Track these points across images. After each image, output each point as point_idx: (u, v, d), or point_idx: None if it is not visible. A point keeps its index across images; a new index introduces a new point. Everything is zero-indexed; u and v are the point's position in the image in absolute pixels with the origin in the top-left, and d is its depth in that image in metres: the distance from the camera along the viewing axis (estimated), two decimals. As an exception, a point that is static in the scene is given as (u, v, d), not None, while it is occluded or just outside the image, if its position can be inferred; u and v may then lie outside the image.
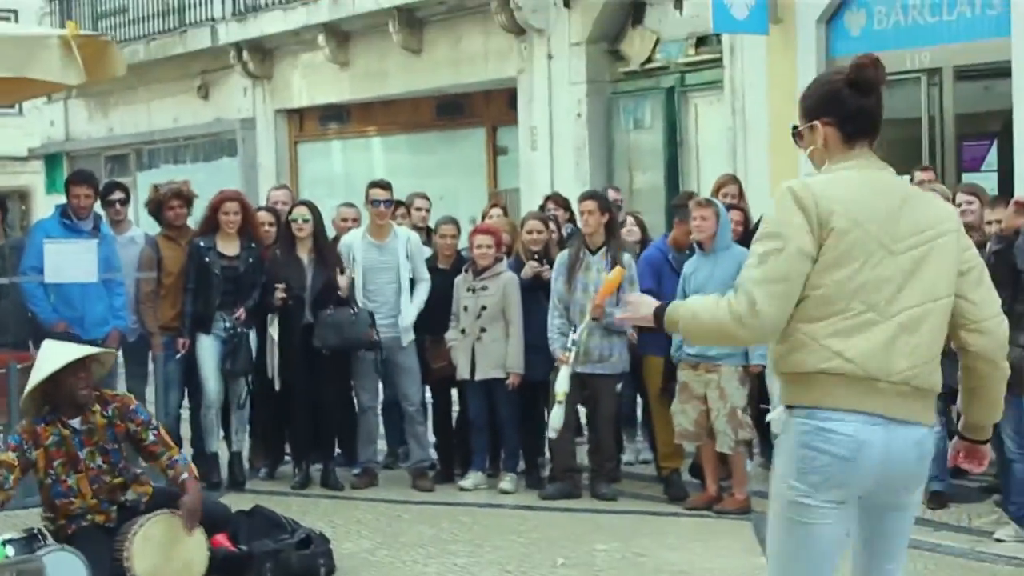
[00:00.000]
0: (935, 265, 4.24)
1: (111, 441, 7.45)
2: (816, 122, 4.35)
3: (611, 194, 11.69)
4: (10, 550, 7.04)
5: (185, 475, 7.46)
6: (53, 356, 7.46)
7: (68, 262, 10.27)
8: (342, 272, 10.38)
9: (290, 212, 10.70)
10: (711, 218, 9.42)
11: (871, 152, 4.37)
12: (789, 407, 4.28)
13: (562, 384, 9.47)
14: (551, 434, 9.62)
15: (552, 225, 10.84)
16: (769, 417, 9.36)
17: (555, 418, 9.49)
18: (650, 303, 4.55)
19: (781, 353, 4.27)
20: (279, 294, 10.23)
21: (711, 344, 4.36)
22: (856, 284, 4.16)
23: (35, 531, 7.30)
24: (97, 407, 7.47)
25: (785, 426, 4.30)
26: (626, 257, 9.90)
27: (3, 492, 7.23)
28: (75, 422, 7.41)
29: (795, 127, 4.46)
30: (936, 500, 9.09)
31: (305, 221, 10.47)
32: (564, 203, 11.52)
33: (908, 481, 4.32)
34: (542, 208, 11.60)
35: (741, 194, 11.09)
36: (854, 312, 4.16)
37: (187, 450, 10.32)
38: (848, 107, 4.32)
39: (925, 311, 4.22)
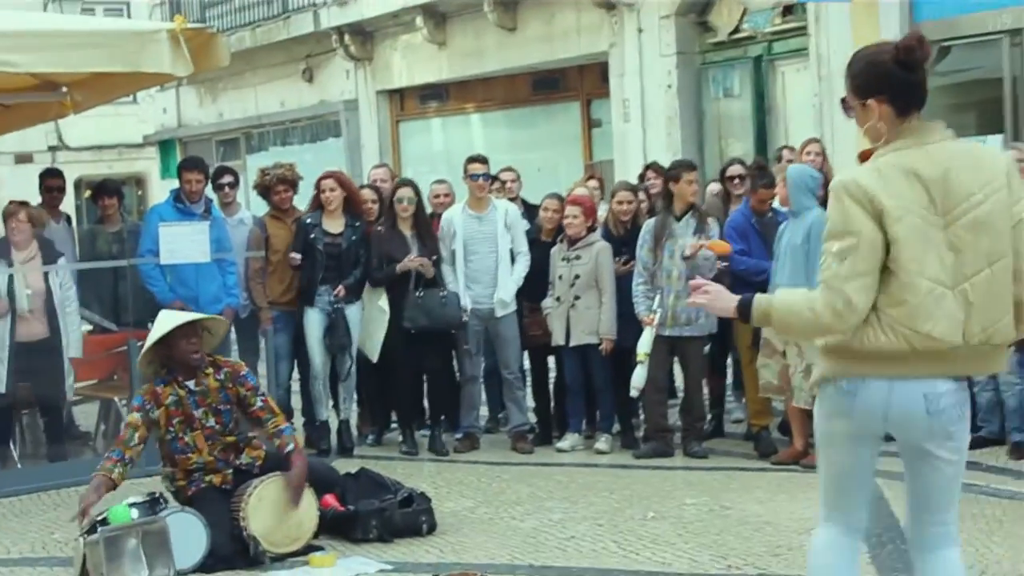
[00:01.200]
0: (987, 228, 4.40)
1: (223, 402, 7.80)
2: (871, 100, 4.50)
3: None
4: (135, 512, 7.36)
5: (290, 447, 7.76)
6: (166, 321, 7.86)
7: (182, 244, 10.51)
8: (436, 256, 10.60)
9: (394, 192, 10.81)
10: (781, 185, 9.58)
11: (920, 123, 4.50)
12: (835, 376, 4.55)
13: (644, 345, 9.66)
14: (633, 392, 9.81)
15: (641, 195, 11.06)
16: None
17: (637, 377, 9.68)
18: (730, 296, 4.74)
19: (867, 334, 4.43)
20: (421, 264, 10.41)
21: (801, 337, 4.60)
22: (920, 263, 4.34)
23: (157, 495, 7.62)
24: (210, 370, 7.83)
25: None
26: (711, 222, 10.08)
27: (130, 449, 7.64)
28: (190, 383, 7.78)
29: (843, 100, 4.62)
30: (1017, 451, 9.18)
31: (410, 202, 10.62)
32: (663, 172, 11.59)
33: (928, 431, 4.53)
34: (641, 178, 11.67)
35: (825, 157, 11.23)
36: (929, 291, 4.35)
37: (298, 419, 10.69)
38: (899, 84, 4.46)
39: (988, 275, 4.40)
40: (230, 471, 7.82)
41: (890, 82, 4.48)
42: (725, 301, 4.73)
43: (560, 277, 10.42)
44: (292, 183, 11.18)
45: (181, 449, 7.77)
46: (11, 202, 11.00)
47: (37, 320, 10.48)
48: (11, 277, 10.39)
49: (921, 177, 4.40)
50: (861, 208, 4.36)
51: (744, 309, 4.64)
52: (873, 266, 4.37)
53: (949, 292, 4.36)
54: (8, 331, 10.33)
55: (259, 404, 7.87)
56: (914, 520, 4.75)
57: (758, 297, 4.64)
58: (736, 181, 10.79)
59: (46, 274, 10.51)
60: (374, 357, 10.65)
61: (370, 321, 10.68)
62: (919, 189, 4.39)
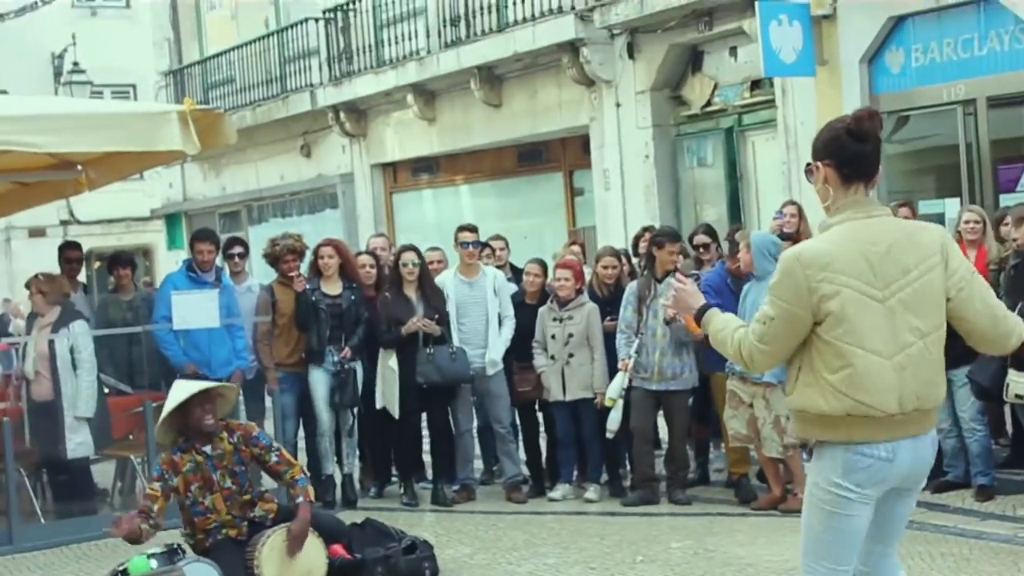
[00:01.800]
0: (922, 302, 4.49)
1: (238, 464, 7.81)
2: (819, 163, 4.59)
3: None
4: (153, 563, 7.39)
5: (300, 499, 7.75)
6: (181, 390, 7.85)
7: (194, 311, 10.58)
8: (442, 315, 10.67)
9: (399, 256, 10.85)
10: (745, 251, 9.69)
11: (865, 196, 4.58)
12: (821, 441, 4.57)
13: (613, 391, 9.84)
14: (608, 435, 9.95)
15: (624, 259, 11.21)
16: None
17: (612, 421, 9.85)
18: (699, 299, 4.96)
19: (806, 397, 4.54)
20: (424, 325, 10.45)
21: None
22: (856, 335, 4.42)
23: (175, 546, 7.60)
24: (224, 434, 7.83)
25: (820, 447, 4.60)
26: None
27: (152, 520, 7.55)
28: (207, 449, 7.78)
29: (807, 164, 4.73)
30: (983, 493, 9.21)
31: (415, 265, 10.70)
32: None
33: (924, 472, 4.66)
34: (636, 241, 11.68)
35: (801, 216, 11.38)
36: (863, 359, 4.42)
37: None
38: (847, 152, 4.53)
39: (922, 345, 4.48)
40: (245, 524, 7.84)
41: (840, 148, 4.55)
42: (688, 303, 4.96)
43: (553, 337, 10.50)
44: (300, 253, 11.26)
45: (201, 512, 7.76)
46: (36, 274, 11.09)
47: (44, 382, 10.54)
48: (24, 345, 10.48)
49: (867, 250, 4.47)
50: (796, 288, 4.45)
51: (698, 316, 4.90)
52: (784, 336, 4.53)
53: (887, 362, 4.43)
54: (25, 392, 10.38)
55: (275, 459, 7.91)
56: (872, 553, 4.75)
57: (711, 312, 4.86)
58: (702, 249, 10.97)
59: (51, 341, 10.49)
60: (396, 413, 10.62)
61: (385, 381, 10.73)
62: (864, 262, 4.45)
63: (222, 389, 8.19)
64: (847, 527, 4.56)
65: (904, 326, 4.45)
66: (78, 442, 10.44)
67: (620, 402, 9.87)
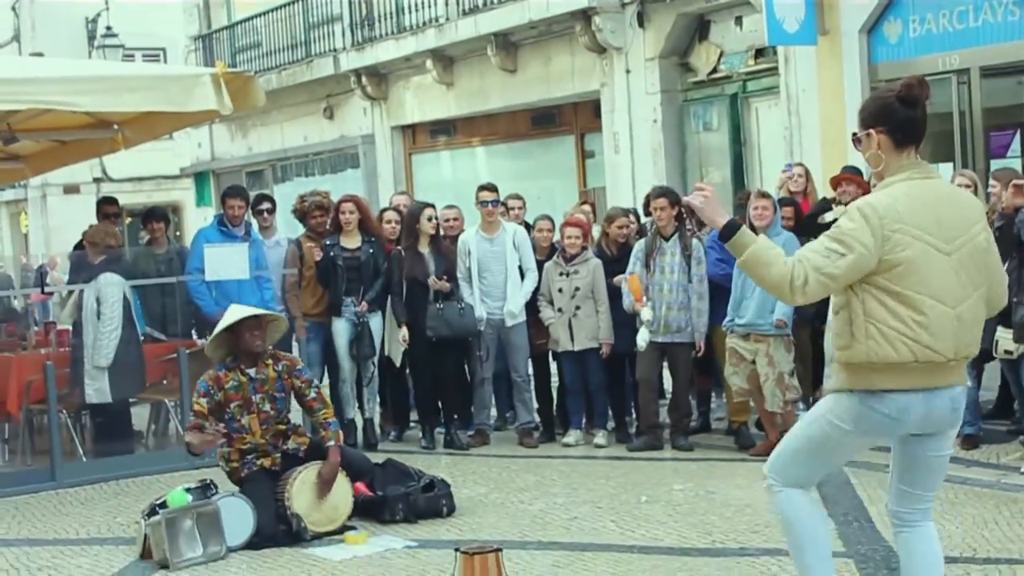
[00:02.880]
0: (975, 259, 4.63)
1: (279, 391, 8.01)
2: (871, 130, 4.67)
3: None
4: (189, 497, 7.61)
5: (332, 442, 7.95)
6: (235, 312, 8.11)
7: (225, 263, 10.73)
8: (451, 271, 10.80)
9: (418, 213, 10.86)
10: (769, 208, 9.77)
11: (918, 158, 4.69)
12: (850, 390, 4.67)
13: (643, 338, 9.95)
14: (640, 347, 10.05)
15: (632, 218, 11.31)
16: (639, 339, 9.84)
17: (641, 336, 9.97)
18: (721, 211, 4.68)
19: (873, 349, 4.56)
20: (441, 284, 10.59)
21: (753, 278, 4.68)
22: (927, 285, 4.51)
23: (208, 481, 7.84)
24: (270, 361, 8.04)
25: (845, 398, 4.71)
26: (695, 243, 10.29)
27: (210, 434, 7.79)
28: (251, 371, 7.99)
29: (855, 134, 4.80)
30: (969, 442, 9.27)
31: (434, 220, 10.83)
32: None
33: (942, 425, 4.74)
34: (646, 203, 11.52)
35: (808, 177, 11.48)
36: (931, 309, 4.51)
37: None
38: (898, 118, 4.62)
39: (976, 299, 4.62)
40: (279, 455, 8.01)
41: (891, 115, 4.64)
42: (713, 212, 4.68)
43: (560, 290, 10.60)
44: (327, 209, 11.30)
45: (237, 430, 7.96)
46: (92, 225, 11.22)
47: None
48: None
49: (932, 207, 4.57)
50: (871, 232, 4.50)
51: (727, 231, 4.63)
52: (843, 276, 4.52)
53: (951, 311, 4.54)
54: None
55: (312, 395, 8.11)
56: (903, 497, 4.90)
57: (745, 229, 4.65)
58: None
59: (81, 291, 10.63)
60: (398, 362, 10.87)
61: (394, 332, 10.90)
62: (931, 217, 4.54)
63: (273, 317, 8.37)
64: (834, 452, 4.84)
65: (964, 280, 4.57)
66: (95, 388, 10.46)
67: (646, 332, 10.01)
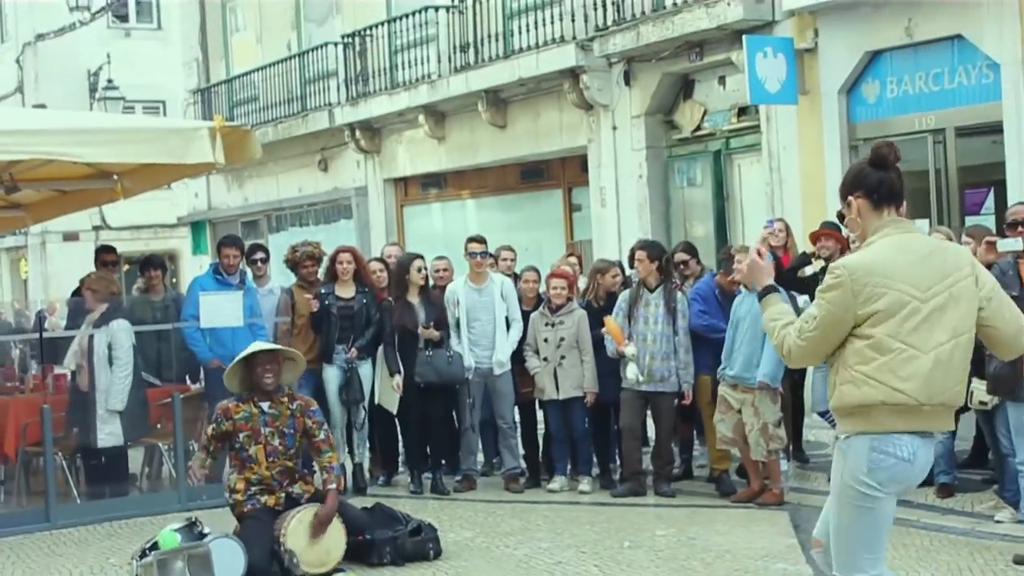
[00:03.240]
0: (956, 307, 4.65)
1: (290, 428, 8.06)
2: (850, 197, 4.79)
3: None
4: (179, 537, 7.62)
5: (332, 486, 8.00)
6: (253, 345, 8.29)
7: (219, 310, 10.74)
8: (441, 319, 10.82)
9: (408, 264, 10.94)
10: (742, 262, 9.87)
11: (899, 216, 4.78)
12: (847, 438, 4.72)
13: (631, 350, 10.04)
14: (627, 384, 10.15)
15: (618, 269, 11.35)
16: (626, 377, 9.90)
17: (631, 371, 10.03)
18: (768, 278, 5.03)
19: (843, 393, 4.67)
20: (430, 333, 10.66)
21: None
22: (898, 331, 4.57)
23: (194, 520, 7.84)
24: (285, 399, 8.11)
25: (848, 443, 4.74)
26: (679, 295, 10.35)
27: (210, 456, 8.13)
28: (264, 404, 8.06)
29: (839, 212, 4.96)
30: (944, 490, 9.33)
31: (424, 271, 10.91)
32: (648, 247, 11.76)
33: (921, 477, 4.86)
34: (631, 255, 11.57)
35: (788, 232, 11.57)
36: (900, 353, 4.58)
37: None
38: (871, 181, 4.75)
39: (953, 345, 4.64)
40: (283, 495, 8.05)
41: (864, 179, 4.77)
42: (756, 277, 5.07)
43: (546, 340, 10.64)
44: (317, 259, 11.39)
45: (245, 459, 8.04)
46: (91, 273, 11.27)
47: (86, 374, 10.72)
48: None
49: (908, 258, 4.65)
50: (844, 294, 4.61)
51: (761, 293, 4.98)
52: (822, 341, 4.66)
53: (923, 356, 4.58)
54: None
55: (322, 436, 8.15)
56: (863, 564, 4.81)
57: (772, 296, 4.94)
58: (682, 265, 11.12)
59: (91, 336, 10.68)
60: (394, 410, 10.88)
61: (385, 382, 10.92)
62: (906, 267, 4.62)
63: (291, 354, 8.46)
64: (874, 519, 4.72)
65: (939, 326, 4.61)
66: (108, 432, 10.57)
67: (634, 358, 10.07)
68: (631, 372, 10.07)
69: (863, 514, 4.70)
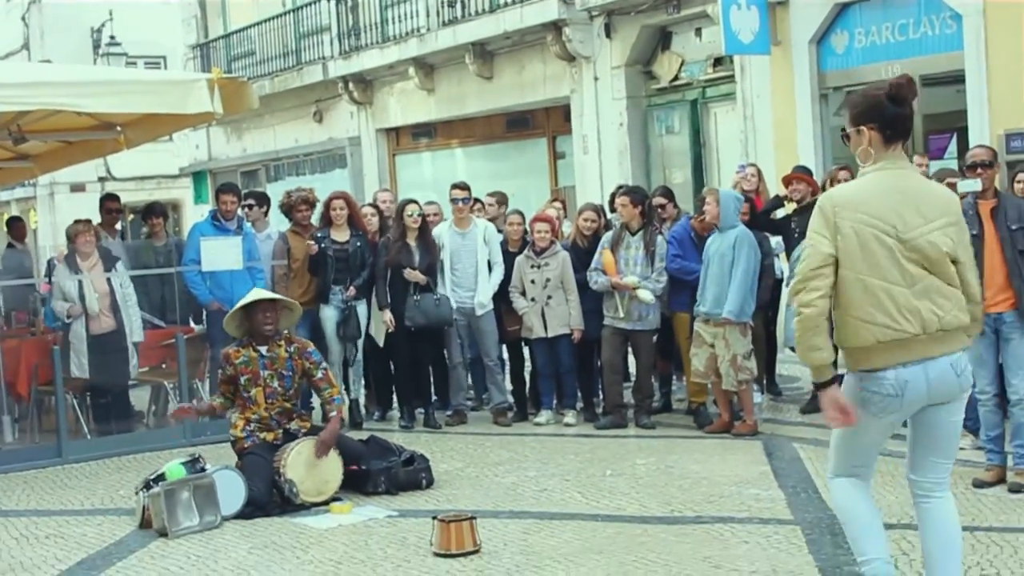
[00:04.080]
0: (934, 249, 4.55)
1: (288, 370, 8.10)
2: (863, 127, 4.63)
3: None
4: (184, 470, 7.67)
5: (334, 413, 8.09)
6: (252, 293, 8.30)
7: (219, 255, 10.75)
8: (432, 265, 10.80)
9: (403, 208, 10.89)
10: (712, 204, 9.82)
11: (901, 153, 4.66)
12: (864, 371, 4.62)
13: (632, 279, 10.00)
14: (650, 300, 10.05)
15: (600, 214, 11.29)
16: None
17: (646, 295, 9.98)
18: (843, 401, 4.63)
19: (842, 335, 4.60)
20: (414, 275, 10.62)
21: (807, 342, 4.59)
22: (877, 269, 4.49)
23: (197, 456, 7.93)
24: (282, 343, 8.15)
25: (848, 378, 4.70)
26: (659, 239, 10.34)
27: (227, 399, 8.24)
28: (262, 349, 8.10)
29: (843, 130, 4.78)
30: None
31: (418, 215, 10.80)
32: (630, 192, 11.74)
33: (952, 392, 4.65)
34: (612, 200, 11.71)
35: (760, 177, 11.54)
36: (884, 291, 4.49)
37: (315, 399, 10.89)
38: (887, 115, 4.60)
39: (934, 278, 4.54)
40: (281, 432, 8.10)
41: (881, 112, 4.60)
42: (834, 401, 4.64)
43: (532, 281, 10.63)
44: (311, 204, 11.35)
45: (246, 400, 8.10)
46: (76, 221, 11.22)
47: (105, 317, 10.73)
48: (80, 283, 10.63)
49: (893, 196, 4.56)
50: (825, 221, 4.55)
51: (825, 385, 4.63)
52: (820, 267, 4.53)
53: (907, 290, 4.50)
54: (84, 328, 10.60)
55: (320, 375, 8.20)
56: (921, 468, 4.80)
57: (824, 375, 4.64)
58: (660, 208, 11.10)
59: (108, 278, 10.75)
60: (381, 341, 10.88)
61: (376, 322, 10.93)
62: (889, 205, 4.53)
63: (288, 303, 8.45)
64: (863, 436, 4.72)
65: (917, 262, 4.53)
66: (133, 364, 10.93)
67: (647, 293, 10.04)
68: (647, 296, 10.05)
69: (854, 434, 4.72)
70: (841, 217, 4.54)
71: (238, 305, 8.22)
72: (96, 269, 10.72)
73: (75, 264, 10.74)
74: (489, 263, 10.95)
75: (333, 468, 7.98)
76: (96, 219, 12.24)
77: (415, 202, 11.11)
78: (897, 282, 4.51)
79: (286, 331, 8.35)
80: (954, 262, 4.62)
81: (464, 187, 11.16)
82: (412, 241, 10.81)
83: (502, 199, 12.47)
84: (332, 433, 8.02)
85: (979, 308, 4.78)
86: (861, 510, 4.84)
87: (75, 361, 10.63)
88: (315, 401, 9.30)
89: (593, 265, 10.31)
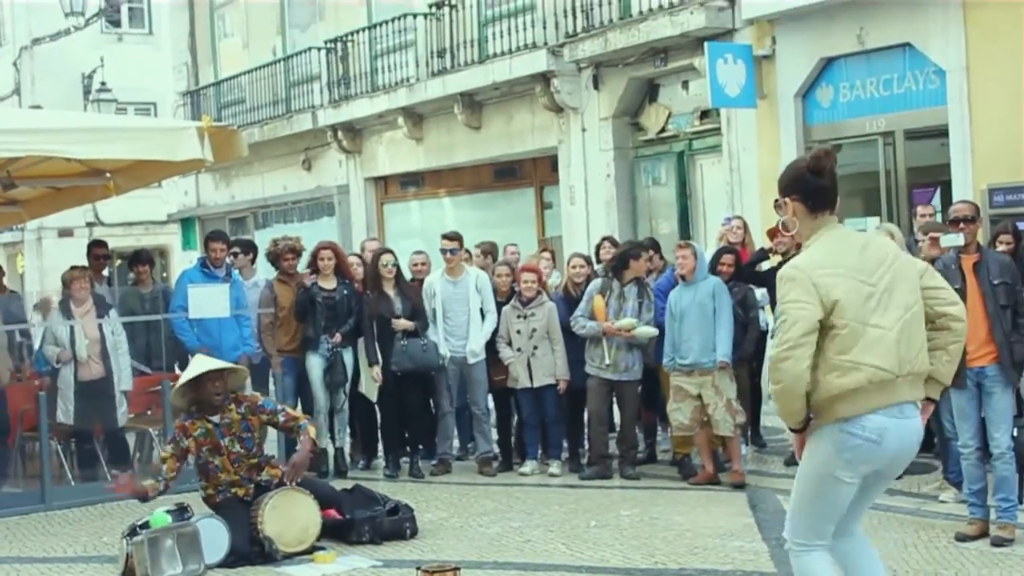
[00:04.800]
0: (902, 284, 4.74)
1: (245, 431, 8.04)
2: (787, 199, 4.84)
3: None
4: (169, 518, 7.67)
5: (302, 437, 8.04)
6: (197, 365, 8.14)
7: (207, 302, 10.76)
8: (416, 309, 10.83)
9: (378, 258, 10.97)
10: (690, 256, 9.92)
11: (832, 217, 4.83)
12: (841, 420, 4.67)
13: (643, 333, 10.07)
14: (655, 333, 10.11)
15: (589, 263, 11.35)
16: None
17: (644, 332, 10.05)
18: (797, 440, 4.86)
19: (827, 384, 4.63)
20: (402, 324, 10.68)
21: (789, 405, 4.71)
22: (864, 315, 4.63)
23: (184, 505, 7.89)
24: (232, 406, 8.05)
25: (820, 431, 4.74)
26: (649, 290, 10.40)
27: (163, 482, 7.87)
28: (215, 418, 8.01)
29: (776, 200, 4.97)
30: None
31: (393, 265, 10.89)
32: (616, 244, 11.77)
33: (907, 460, 4.88)
34: (598, 248, 11.83)
35: (746, 229, 11.62)
36: (872, 333, 4.63)
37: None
38: (809, 187, 4.79)
39: (911, 316, 4.71)
40: (252, 486, 8.06)
41: (804, 184, 4.79)
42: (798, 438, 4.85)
43: (518, 331, 10.67)
44: (298, 252, 11.42)
45: (211, 470, 8.02)
46: (72, 267, 11.24)
47: (94, 363, 10.74)
48: (72, 328, 10.63)
49: (849, 251, 4.74)
50: (805, 288, 4.63)
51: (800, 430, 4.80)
52: (802, 336, 4.58)
53: (890, 333, 4.64)
54: (72, 374, 10.61)
55: (282, 420, 8.18)
56: (851, 521, 4.92)
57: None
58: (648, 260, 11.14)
59: (99, 325, 10.75)
60: (374, 398, 10.88)
61: (366, 378, 10.95)
62: (850, 259, 4.70)
63: (233, 370, 8.38)
64: (834, 501, 4.76)
65: (892, 304, 4.68)
66: (122, 412, 10.90)
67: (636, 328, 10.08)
68: (649, 331, 10.07)
69: (826, 494, 4.75)
70: (819, 277, 4.65)
71: (186, 377, 8.10)
72: (89, 315, 10.73)
73: (68, 310, 10.75)
74: (481, 311, 10.97)
75: (310, 514, 7.97)
76: (85, 264, 12.21)
77: (389, 251, 11.17)
78: (884, 325, 4.65)
79: (232, 393, 8.23)
80: (921, 275, 4.82)
81: (454, 237, 11.21)
82: (390, 290, 10.84)
83: (488, 249, 12.50)
84: (304, 456, 8.04)
85: (957, 308, 4.88)
86: None
87: (61, 407, 10.61)
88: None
89: (579, 312, 10.35)
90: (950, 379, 4.91)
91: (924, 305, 4.79)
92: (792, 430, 4.85)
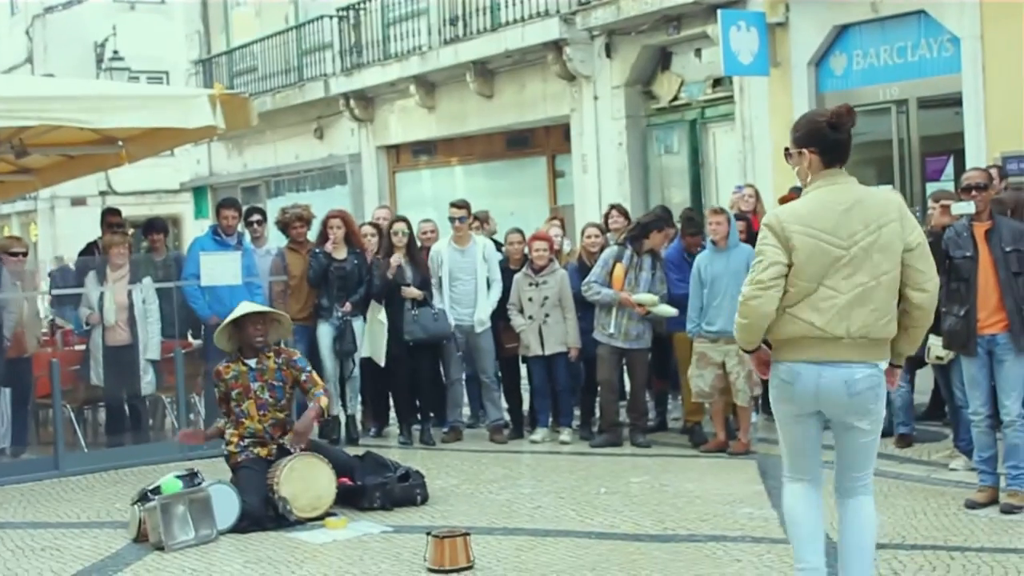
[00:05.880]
0: (881, 250, 4.90)
1: (278, 380, 8.16)
2: (804, 150, 5.01)
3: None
4: (181, 484, 7.70)
5: (312, 404, 8.13)
6: (242, 307, 8.30)
7: (218, 270, 10.74)
8: (426, 278, 10.83)
9: (391, 226, 11.09)
10: (724, 223, 9.88)
11: (839, 171, 5.01)
12: (776, 361, 5.06)
13: (663, 310, 10.06)
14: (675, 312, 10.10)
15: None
16: None
17: (665, 310, 10.05)
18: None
19: (776, 328, 4.99)
20: (410, 292, 10.72)
21: (749, 337, 5.08)
22: (819, 275, 4.88)
23: (194, 470, 7.94)
24: (271, 354, 8.21)
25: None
26: (659, 264, 10.39)
27: (229, 422, 8.20)
28: (251, 361, 8.16)
29: (787, 149, 5.13)
30: (903, 440, 9.44)
31: (404, 234, 10.93)
32: (624, 212, 11.80)
33: (848, 407, 5.00)
34: (606, 216, 11.81)
35: (758, 197, 11.59)
36: (820, 293, 4.89)
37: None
38: (827, 141, 4.99)
39: (875, 284, 4.89)
40: (275, 446, 8.12)
41: (823, 138, 4.99)
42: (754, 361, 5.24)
43: (530, 299, 10.67)
44: (307, 220, 11.41)
45: (238, 414, 8.14)
46: (113, 232, 11.44)
47: (120, 329, 10.83)
48: (103, 293, 10.69)
49: (833, 209, 4.90)
50: (776, 236, 4.93)
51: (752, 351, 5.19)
52: (771, 280, 4.91)
53: (841, 296, 4.86)
54: (101, 337, 10.74)
55: (304, 377, 8.26)
56: (839, 475, 5.21)
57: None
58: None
59: (129, 292, 10.79)
60: (382, 362, 10.86)
61: (374, 333, 10.94)
62: (830, 218, 4.88)
63: (277, 315, 8.53)
64: (791, 436, 5.17)
65: (862, 269, 4.88)
66: (147, 381, 10.97)
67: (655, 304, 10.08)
68: (669, 310, 10.07)
69: (784, 429, 5.17)
70: (790, 231, 4.91)
71: (228, 319, 8.25)
72: (121, 282, 10.80)
73: (104, 274, 10.84)
74: (488, 280, 10.96)
75: (326, 483, 8.00)
76: (98, 233, 12.25)
77: (403, 220, 11.17)
78: (838, 289, 4.87)
79: (272, 344, 8.38)
80: (908, 250, 4.94)
81: (462, 205, 11.20)
82: (401, 257, 10.84)
83: (482, 217, 12.35)
84: (305, 424, 8.13)
85: (923, 296, 4.99)
86: (805, 517, 5.18)
87: (94, 370, 10.77)
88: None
89: (593, 278, 10.33)
90: (910, 353, 5.17)
91: (899, 280, 4.96)
92: (744, 351, 5.23)
